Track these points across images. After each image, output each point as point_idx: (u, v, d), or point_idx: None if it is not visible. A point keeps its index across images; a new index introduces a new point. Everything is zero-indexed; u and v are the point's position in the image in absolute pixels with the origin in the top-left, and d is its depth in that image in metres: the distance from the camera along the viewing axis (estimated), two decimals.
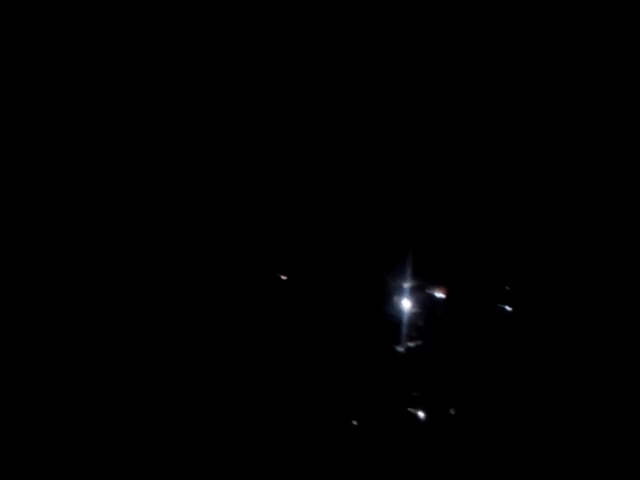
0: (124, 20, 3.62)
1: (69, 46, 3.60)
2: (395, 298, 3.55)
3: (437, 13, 3.60)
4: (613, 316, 3.47)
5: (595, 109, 3.60)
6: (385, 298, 3.56)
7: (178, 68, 3.67)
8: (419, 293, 3.56)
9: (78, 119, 3.64)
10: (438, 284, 3.55)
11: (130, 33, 3.62)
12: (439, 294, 3.55)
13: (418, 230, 3.58)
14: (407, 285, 3.55)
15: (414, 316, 3.56)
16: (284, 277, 3.58)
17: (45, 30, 3.59)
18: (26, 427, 3.33)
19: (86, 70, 3.63)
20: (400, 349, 3.53)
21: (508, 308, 3.54)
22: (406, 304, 3.55)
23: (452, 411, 3.50)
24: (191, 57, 3.67)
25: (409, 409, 3.49)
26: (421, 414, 3.49)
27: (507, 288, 3.55)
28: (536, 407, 3.45)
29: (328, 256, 3.59)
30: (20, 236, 3.52)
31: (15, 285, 3.48)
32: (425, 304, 3.56)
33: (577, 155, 3.58)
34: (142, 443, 3.38)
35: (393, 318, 3.55)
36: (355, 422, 3.47)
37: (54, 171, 3.59)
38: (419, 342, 3.54)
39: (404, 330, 3.54)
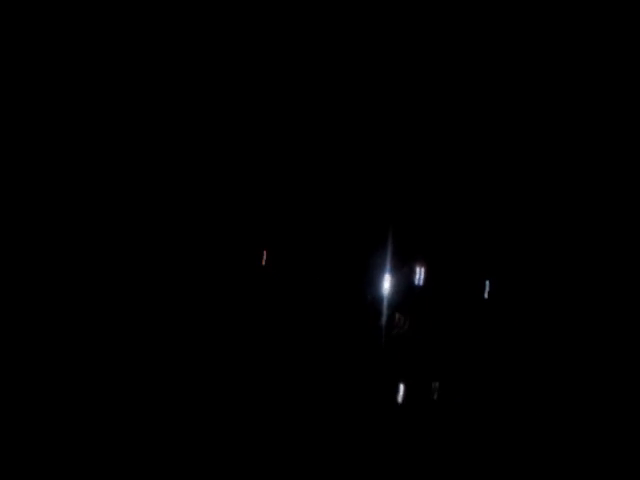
0: (124, 20, 3.62)
1: (69, 46, 3.60)
2: (375, 283, 3.55)
3: (437, 13, 3.60)
4: (590, 298, 3.49)
5: (594, 109, 3.60)
6: (366, 283, 3.56)
7: (178, 68, 3.67)
8: (399, 276, 3.56)
9: (78, 119, 3.64)
10: (418, 267, 3.55)
11: (130, 33, 3.62)
12: (419, 277, 3.56)
13: (399, 214, 3.59)
14: (388, 269, 3.55)
15: (394, 300, 3.57)
16: (264, 261, 3.57)
17: (45, 30, 3.59)
18: (26, 427, 3.34)
19: (86, 70, 3.63)
20: (382, 335, 3.54)
21: (485, 294, 3.56)
22: (386, 288, 3.55)
23: (433, 393, 3.51)
24: (191, 57, 3.66)
25: (391, 392, 3.50)
26: (401, 396, 3.50)
27: (485, 273, 3.57)
28: (517, 389, 3.46)
29: (309, 242, 3.59)
30: (20, 236, 3.53)
31: (15, 285, 3.49)
32: (405, 287, 3.57)
33: (554, 142, 3.59)
34: (142, 443, 3.39)
35: (374, 303, 3.56)
36: (338, 408, 3.48)
37: (54, 171, 3.59)
38: (401, 327, 3.55)
39: (385, 315, 3.55)
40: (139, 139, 3.65)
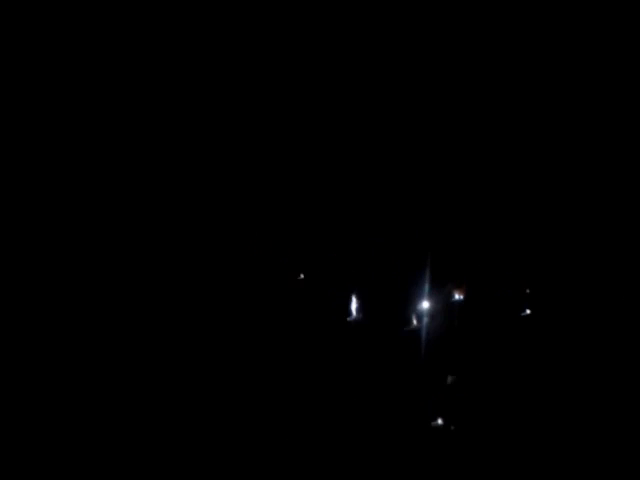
0: (124, 20, 3.63)
1: (69, 46, 3.61)
2: (413, 299, 3.53)
3: (437, 13, 3.62)
4: (630, 319, 3.47)
5: (595, 109, 3.61)
6: (403, 300, 3.54)
7: (178, 68, 3.68)
8: (437, 294, 3.54)
9: (78, 120, 3.64)
10: (456, 284, 3.54)
11: (130, 33, 3.63)
12: (457, 294, 3.54)
13: (436, 232, 3.58)
14: (425, 286, 3.53)
15: (431, 316, 3.54)
16: (296, 276, 3.57)
17: (45, 30, 3.60)
18: (26, 427, 3.31)
19: (86, 70, 3.64)
20: (416, 348, 3.52)
21: (527, 310, 3.53)
22: (424, 305, 3.53)
23: (465, 407, 3.48)
24: (191, 57, 3.68)
25: (420, 409, 3.48)
26: (435, 416, 3.48)
27: (526, 290, 3.55)
28: (550, 408, 3.43)
29: (345, 256, 3.58)
30: (20, 237, 3.52)
31: (15, 286, 3.47)
32: (443, 305, 3.55)
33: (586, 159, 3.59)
34: (142, 443, 3.36)
35: (410, 318, 3.54)
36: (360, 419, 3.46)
37: (54, 171, 3.59)
38: (436, 341, 3.53)
39: (422, 330, 3.53)
40: (143, 141, 3.66)
